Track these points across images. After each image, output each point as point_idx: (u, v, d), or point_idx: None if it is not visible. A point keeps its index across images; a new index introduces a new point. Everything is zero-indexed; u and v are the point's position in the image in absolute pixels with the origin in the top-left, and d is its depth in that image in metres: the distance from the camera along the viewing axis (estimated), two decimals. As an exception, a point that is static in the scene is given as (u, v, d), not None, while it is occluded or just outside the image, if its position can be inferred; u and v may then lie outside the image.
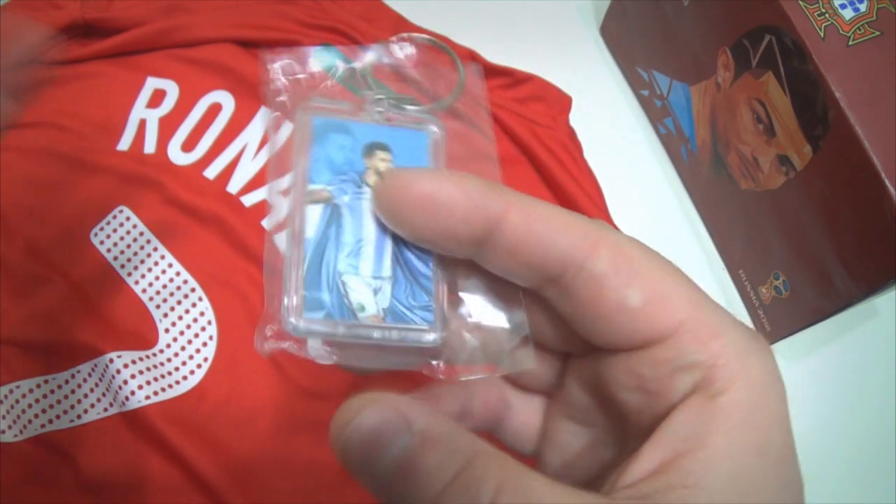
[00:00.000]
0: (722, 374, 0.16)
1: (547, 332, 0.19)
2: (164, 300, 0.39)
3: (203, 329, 0.39)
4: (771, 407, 0.16)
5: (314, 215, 0.18)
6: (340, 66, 0.21)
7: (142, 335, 0.38)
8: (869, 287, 0.34)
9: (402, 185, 0.17)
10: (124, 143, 0.43)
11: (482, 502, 0.15)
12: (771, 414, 0.16)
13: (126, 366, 0.37)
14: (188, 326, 0.39)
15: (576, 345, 0.19)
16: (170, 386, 0.38)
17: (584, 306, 0.17)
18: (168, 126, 0.43)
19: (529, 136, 0.44)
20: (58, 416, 0.37)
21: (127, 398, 0.37)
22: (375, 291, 0.18)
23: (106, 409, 0.37)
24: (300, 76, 0.21)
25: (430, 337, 0.18)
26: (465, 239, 0.17)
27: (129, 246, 0.40)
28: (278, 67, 0.20)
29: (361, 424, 0.16)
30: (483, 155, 0.19)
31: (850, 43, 0.33)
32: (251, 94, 0.44)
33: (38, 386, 0.38)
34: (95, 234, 0.40)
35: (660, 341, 0.16)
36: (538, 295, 0.18)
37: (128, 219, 0.41)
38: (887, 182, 0.31)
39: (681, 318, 0.16)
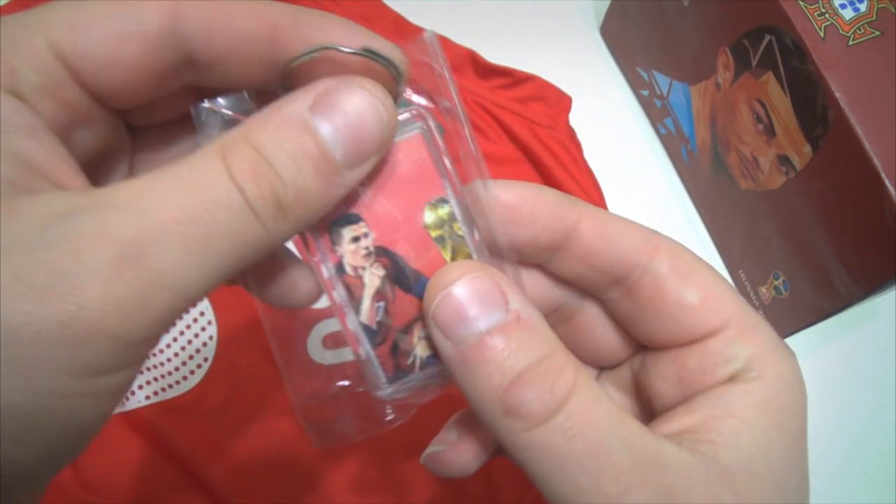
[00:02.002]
0: (757, 364, 0.18)
1: (592, 345, 0.21)
2: (164, 300, 0.39)
3: (203, 329, 0.39)
4: (793, 397, 0.18)
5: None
6: None
7: (142, 335, 0.38)
8: (869, 287, 0.34)
9: (490, 195, 0.18)
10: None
11: (558, 393, 0.16)
12: (793, 403, 0.18)
13: (126, 366, 0.37)
14: (188, 327, 0.39)
15: (613, 355, 0.21)
16: (170, 386, 0.38)
17: (647, 303, 0.19)
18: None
19: (529, 136, 0.44)
20: (58, 416, 0.37)
21: (127, 398, 0.37)
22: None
23: (106, 409, 0.37)
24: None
25: None
26: (544, 245, 0.19)
27: (129, 246, 0.40)
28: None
29: (458, 289, 0.16)
30: (467, 154, 0.19)
31: (850, 43, 0.33)
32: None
33: (38, 386, 0.38)
34: (95, 234, 0.40)
35: (711, 335, 0.18)
36: (596, 300, 0.20)
37: (128, 219, 0.41)
38: (887, 182, 0.31)
39: (729, 315, 0.18)
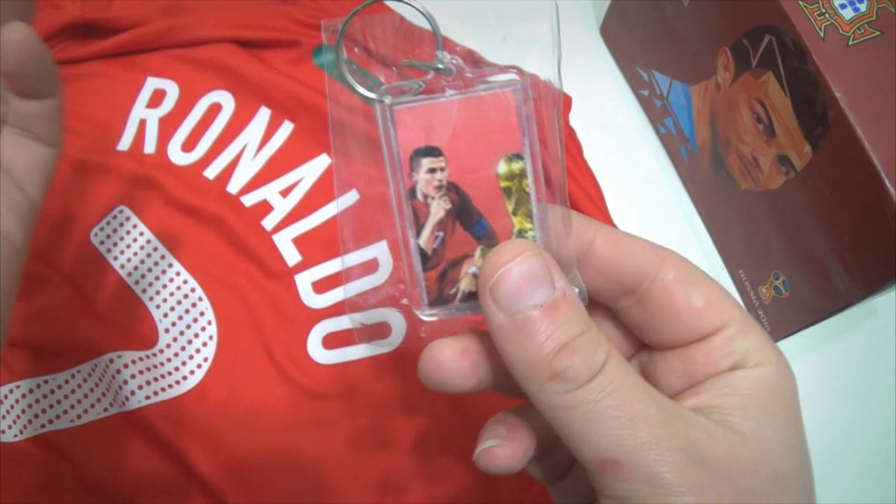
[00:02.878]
0: (754, 356, 0.20)
1: None
2: (164, 300, 0.39)
3: (203, 329, 0.39)
4: (789, 385, 0.20)
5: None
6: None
7: (142, 335, 0.38)
8: (869, 287, 0.34)
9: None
10: (124, 143, 0.43)
11: (598, 359, 0.18)
12: (789, 389, 0.20)
13: (126, 366, 0.37)
14: (188, 326, 0.39)
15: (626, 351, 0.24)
16: (170, 386, 0.38)
17: (657, 309, 0.21)
18: (168, 126, 0.43)
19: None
20: (58, 416, 0.37)
21: (127, 398, 0.37)
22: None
23: (106, 409, 0.37)
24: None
25: None
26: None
27: (128, 246, 0.40)
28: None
29: (515, 268, 0.19)
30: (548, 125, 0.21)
31: (850, 43, 0.33)
32: (251, 94, 0.44)
33: (38, 386, 0.38)
34: (95, 234, 0.40)
35: (714, 333, 0.21)
36: (608, 310, 0.23)
37: (128, 219, 0.41)
38: (887, 182, 0.31)
39: (730, 316, 0.21)
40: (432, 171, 0.20)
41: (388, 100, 0.20)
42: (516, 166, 0.20)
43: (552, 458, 0.25)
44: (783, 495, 0.18)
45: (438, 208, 0.20)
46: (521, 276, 0.18)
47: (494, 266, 0.19)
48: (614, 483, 0.18)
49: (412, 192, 0.20)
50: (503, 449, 0.22)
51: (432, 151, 0.20)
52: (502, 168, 0.20)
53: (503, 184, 0.20)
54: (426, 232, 0.20)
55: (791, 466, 0.19)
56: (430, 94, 0.20)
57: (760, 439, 0.19)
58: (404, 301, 0.21)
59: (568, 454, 0.25)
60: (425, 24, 0.21)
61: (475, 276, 0.20)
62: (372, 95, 0.20)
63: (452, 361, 0.21)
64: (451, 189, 0.20)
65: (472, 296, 0.20)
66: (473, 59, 0.21)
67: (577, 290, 0.20)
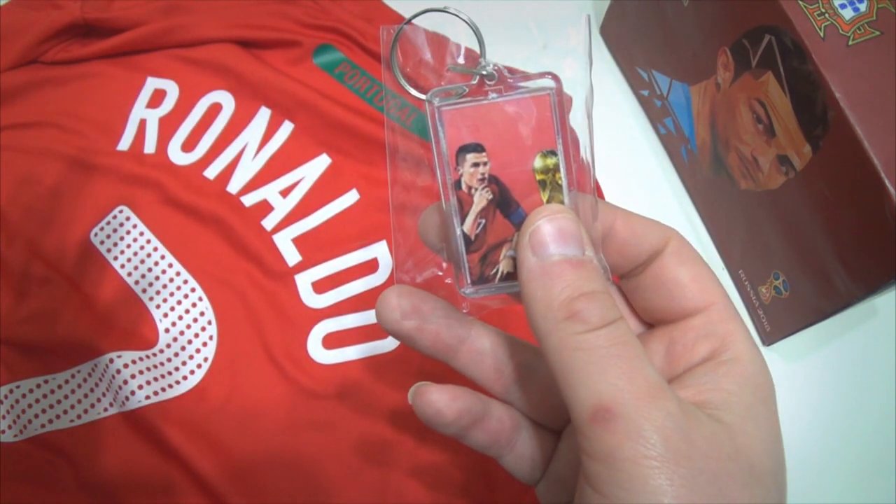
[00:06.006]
0: (732, 346, 0.21)
1: None
2: (165, 300, 0.39)
3: (203, 329, 0.39)
4: (767, 380, 0.21)
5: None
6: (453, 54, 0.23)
7: (142, 335, 0.39)
8: (869, 287, 0.34)
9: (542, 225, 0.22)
10: (124, 143, 0.43)
11: (611, 314, 0.20)
12: (768, 385, 0.21)
13: (126, 366, 0.37)
14: (188, 326, 0.39)
15: None
16: (170, 386, 0.38)
17: (649, 276, 0.23)
18: (168, 126, 0.43)
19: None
20: (58, 416, 0.37)
21: (127, 398, 0.37)
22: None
23: (106, 409, 0.37)
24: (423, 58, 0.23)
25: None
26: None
27: (129, 246, 0.40)
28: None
29: (555, 222, 0.21)
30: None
31: (850, 43, 0.33)
32: (251, 94, 0.44)
33: (38, 386, 0.38)
34: (95, 234, 0.40)
35: (694, 314, 0.22)
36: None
37: (128, 219, 0.41)
38: (887, 182, 0.31)
39: (711, 299, 0.22)
40: (476, 165, 0.22)
41: (436, 101, 0.22)
42: (551, 161, 0.22)
43: (528, 454, 0.26)
44: (757, 489, 0.19)
45: (481, 198, 0.22)
46: (556, 230, 0.20)
47: (535, 218, 0.21)
48: (603, 435, 0.18)
49: (458, 184, 0.22)
50: (434, 393, 0.24)
51: (476, 148, 0.22)
52: (538, 163, 0.22)
53: (539, 177, 0.22)
54: (470, 219, 0.22)
55: (768, 465, 0.19)
56: (474, 97, 0.22)
57: (742, 433, 0.19)
58: (448, 280, 0.24)
59: (545, 447, 0.26)
60: (450, 34, 0.24)
61: (513, 258, 0.22)
62: (423, 97, 0.22)
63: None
64: (493, 181, 0.22)
65: (509, 276, 0.22)
66: (508, 68, 0.23)
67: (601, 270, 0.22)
